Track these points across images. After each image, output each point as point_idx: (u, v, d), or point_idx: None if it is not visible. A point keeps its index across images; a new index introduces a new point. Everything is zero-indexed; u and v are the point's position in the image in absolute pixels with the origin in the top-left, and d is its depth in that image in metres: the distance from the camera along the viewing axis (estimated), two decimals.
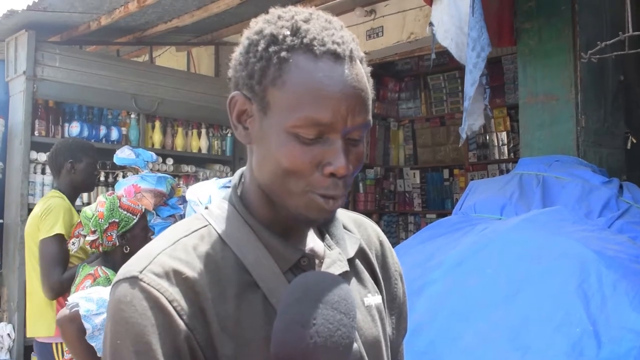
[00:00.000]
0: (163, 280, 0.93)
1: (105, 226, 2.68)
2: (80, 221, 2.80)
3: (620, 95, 4.10)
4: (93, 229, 2.67)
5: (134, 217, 2.75)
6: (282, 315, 0.88)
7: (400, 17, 5.17)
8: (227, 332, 0.94)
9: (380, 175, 7.40)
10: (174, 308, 0.92)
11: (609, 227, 2.86)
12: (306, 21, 0.97)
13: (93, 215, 2.69)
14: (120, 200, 2.76)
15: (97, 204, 2.73)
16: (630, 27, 2.84)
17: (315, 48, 0.94)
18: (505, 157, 6.56)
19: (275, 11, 1.00)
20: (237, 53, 1.02)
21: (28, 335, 3.46)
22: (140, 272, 0.94)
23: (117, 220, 2.70)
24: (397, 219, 7.50)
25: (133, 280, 0.93)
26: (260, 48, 0.96)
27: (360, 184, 7.14)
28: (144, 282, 0.93)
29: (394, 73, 7.47)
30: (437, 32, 3.49)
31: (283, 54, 0.94)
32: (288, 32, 0.95)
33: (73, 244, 2.79)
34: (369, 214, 7.06)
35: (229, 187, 2.85)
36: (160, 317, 0.91)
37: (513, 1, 3.99)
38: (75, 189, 3.63)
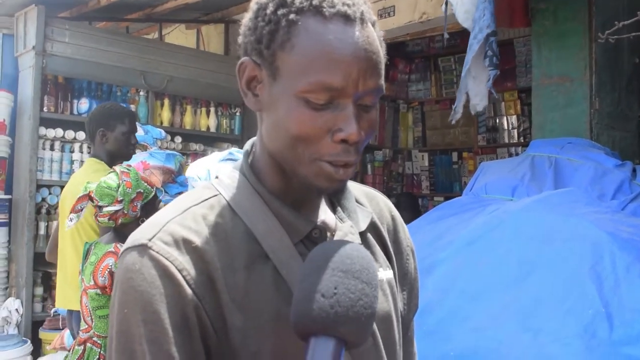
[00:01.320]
0: (172, 249, 0.91)
1: (133, 196, 2.66)
2: (85, 195, 2.67)
3: (635, 78, 4.06)
4: (120, 198, 2.63)
5: (152, 189, 2.74)
6: (302, 284, 0.85)
7: None
8: (236, 303, 0.92)
9: (389, 157, 7.36)
10: (184, 277, 0.90)
11: (622, 210, 2.84)
12: None
13: (119, 184, 2.65)
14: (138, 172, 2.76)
15: (120, 174, 2.68)
16: None
17: (324, 10, 0.91)
18: (514, 141, 6.51)
19: None
20: (246, 19, 1.00)
21: (67, 307, 3.40)
22: (150, 240, 0.92)
23: (142, 191, 2.69)
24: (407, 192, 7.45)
25: (142, 249, 0.91)
26: (268, 11, 0.94)
27: (369, 166, 7.11)
28: (153, 250, 0.91)
29: (405, 54, 7.40)
30: (457, 13, 3.42)
31: (292, 16, 0.92)
32: None
33: (70, 220, 2.69)
34: None
35: (230, 159, 2.82)
36: (169, 286, 0.89)
37: None
38: (111, 157, 3.49)
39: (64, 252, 3.44)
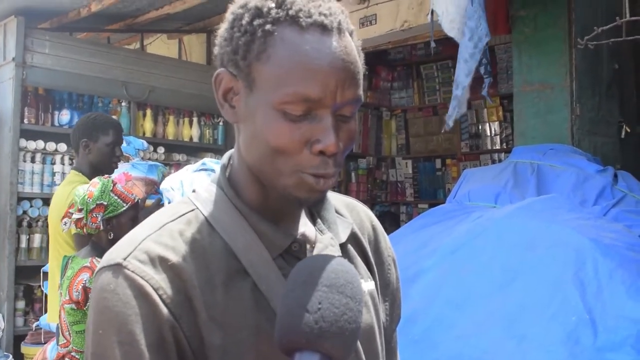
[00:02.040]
0: (148, 267, 0.90)
1: (92, 206, 2.61)
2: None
3: (614, 84, 4.10)
4: (80, 207, 2.62)
5: (124, 204, 2.67)
6: (286, 299, 0.85)
7: (394, 5, 5.13)
8: (215, 320, 0.91)
9: (372, 165, 7.37)
10: (160, 296, 0.88)
11: (604, 216, 2.86)
12: None
13: (84, 193, 2.64)
14: (114, 185, 2.70)
15: (91, 184, 2.68)
16: (627, 13, 2.82)
17: (301, 20, 0.90)
18: (497, 147, 6.55)
19: None
20: (222, 29, 0.99)
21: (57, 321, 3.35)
22: (125, 259, 0.90)
23: (105, 203, 2.62)
24: (389, 208, 7.47)
25: (117, 268, 0.90)
26: (244, 22, 0.92)
27: (352, 174, 7.11)
28: (128, 269, 0.89)
29: (387, 62, 7.43)
30: (442, 22, 3.44)
31: (268, 26, 0.90)
32: (273, 4, 0.92)
33: (65, 223, 2.70)
34: None
35: (203, 169, 2.80)
36: (144, 306, 0.88)
37: None
38: (94, 169, 3.36)
39: (53, 265, 3.41)
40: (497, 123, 6.55)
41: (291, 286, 0.86)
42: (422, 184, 7.28)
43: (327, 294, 0.83)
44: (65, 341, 2.59)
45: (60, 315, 2.61)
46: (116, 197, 2.67)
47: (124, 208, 2.68)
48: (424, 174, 7.28)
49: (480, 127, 6.69)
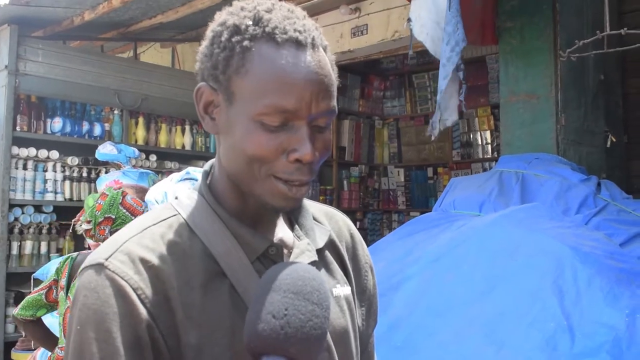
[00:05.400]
0: (129, 268, 0.93)
1: (100, 219, 2.62)
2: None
3: (600, 94, 4.14)
4: (89, 219, 2.64)
5: (132, 217, 2.67)
6: (254, 305, 0.88)
7: (385, 15, 5.18)
8: (191, 320, 0.95)
9: (365, 173, 7.41)
10: (138, 296, 0.92)
11: (586, 224, 2.89)
12: (268, 11, 0.98)
13: (93, 205, 2.66)
14: (124, 197, 2.70)
15: (100, 196, 2.69)
16: (608, 27, 2.87)
17: (277, 36, 0.95)
18: (488, 156, 6.59)
19: (238, 3, 1.02)
20: (202, 46, 1.03)
21: None
22: (106, 259, 0.94)
23: (113, 217, 2.64)
24: (381, 216, 7.51)
25: (99, 267, 0.94)
26: (223, 38, 0.97)
27: (345, 182, 7.15)
28: (109, 269, 0.93)
29: (379, 71, 7.49)
30: (414, 27, 3.49)
31: (246, 43, 0.95)
32: (250, 22, 0.96)
33: (80, 225, 2.74)
34: (353, 212, 7.06)
35: (187, 179, 2.82)
36: (122, 305, 0.91)
37: (495, 0, 4.01)
38: None
39: None
40: (488, 132, 6.59)
41: (260, 292, 0.89)
42: (414, 192, 7.31)
43: (294, 300, 0.87)
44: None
45: (65, 318, 2.62)
46: (125, 210, 2.68)
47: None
48: (416, 182, 7.31)
49: (471, 136, 6.72)
